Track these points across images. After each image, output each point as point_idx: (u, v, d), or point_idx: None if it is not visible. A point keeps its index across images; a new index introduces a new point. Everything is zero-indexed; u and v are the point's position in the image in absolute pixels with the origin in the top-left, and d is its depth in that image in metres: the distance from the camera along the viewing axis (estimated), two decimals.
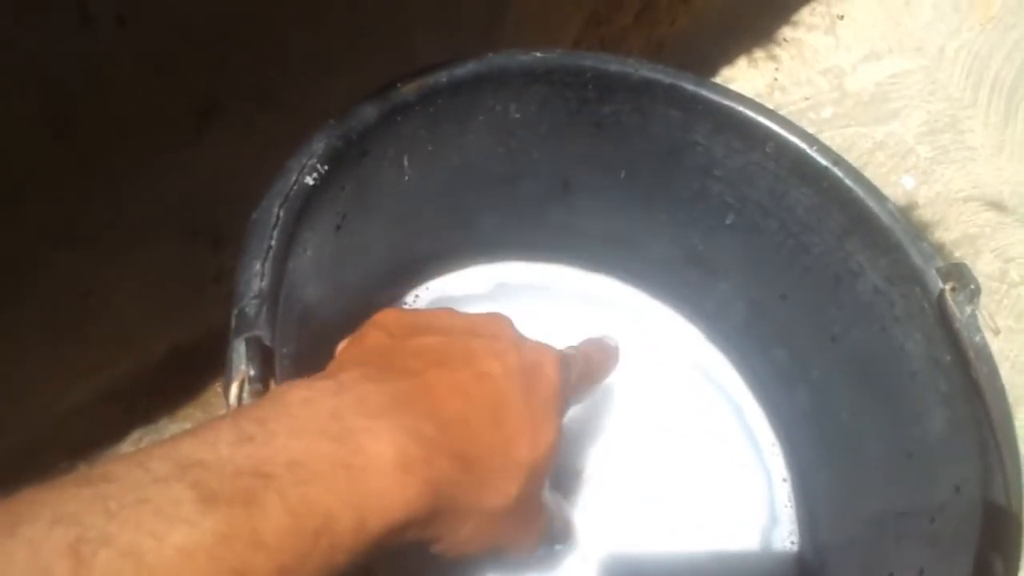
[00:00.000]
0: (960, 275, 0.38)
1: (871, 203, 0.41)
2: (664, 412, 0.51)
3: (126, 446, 0.54)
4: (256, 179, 0.35)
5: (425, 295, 0.51)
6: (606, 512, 0.47)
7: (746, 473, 0.50)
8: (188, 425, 0.55)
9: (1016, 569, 0.33)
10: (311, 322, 0.38)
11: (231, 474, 0.22)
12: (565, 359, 0.37)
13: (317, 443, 0.25)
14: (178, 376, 0.55)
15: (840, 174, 0.42)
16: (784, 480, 0.50)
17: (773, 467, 0.50)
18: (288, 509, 0.22)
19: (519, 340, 0.35)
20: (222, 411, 0.29)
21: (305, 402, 0.26)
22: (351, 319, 0.48)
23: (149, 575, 0.19)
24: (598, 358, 0.42)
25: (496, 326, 0.36)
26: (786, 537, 0.48)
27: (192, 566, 0.20)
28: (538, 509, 0.35)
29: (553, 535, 0.39)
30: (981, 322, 0.37)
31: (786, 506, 0.49)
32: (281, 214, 0.34)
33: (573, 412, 0.49)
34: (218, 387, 0.57)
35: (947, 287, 0.38)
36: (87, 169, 0.42)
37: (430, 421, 0.28)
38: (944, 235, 0.85)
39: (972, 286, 0.37)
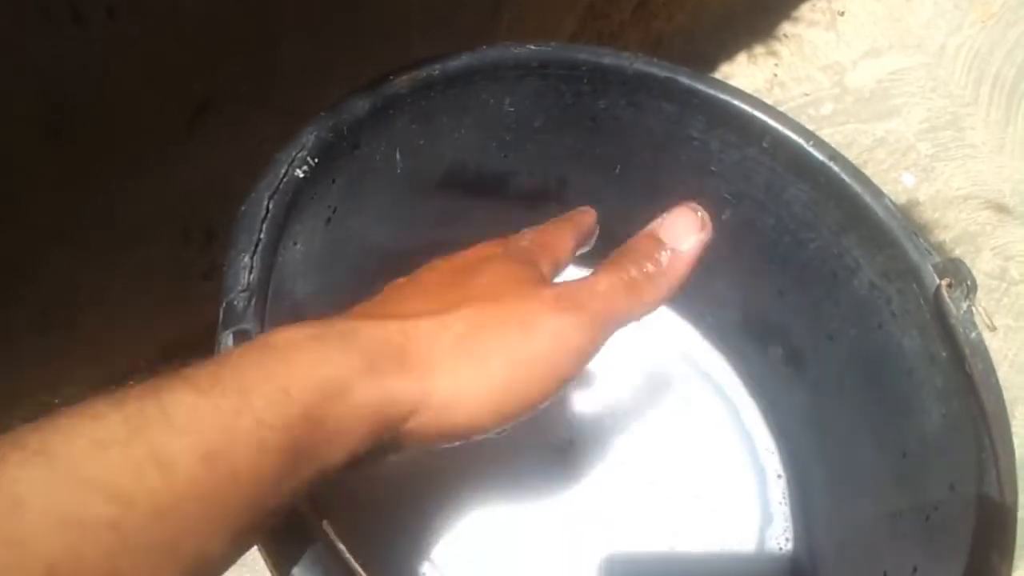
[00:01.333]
0: (956, 271, 0.38)
1: (868, 199, 0.41)
2: (659, 410, 0.51)
3: None
4: (249, 177, 0.34)
5: None
6: (601, 509, 0.46)
7: (741, 471, 0.50)
8: None
9: (1011, 566, 0.33)
10: (300, 316, 0.38)
11: (147, 383, 0.22)
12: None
13: (234, 348, 0.25)
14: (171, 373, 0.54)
15: (837, 169, 0.42)
16: (779, 477, 0.50)
17: (768, 465, 0.50)
18: (198, 390, 0.22)
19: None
20: None
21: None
22: (340, 312, 0.48)
23: (62, 470, 0.19)
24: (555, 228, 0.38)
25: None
26: (781, 535, 0.48)
27: (107, 457, 0.19)
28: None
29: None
30: (977, 318, 0.37)
31: (781, 503, 0.49)
32: (270, 207, 0.34)
33: (569, 407, 0.49)
34: None
35: (943, 283, 0.38)
36: (79, 167, 0.42)
37: (367, 318, 0.28)
38: (944, 233, 0.85)
39: (968, 282, 0.37)
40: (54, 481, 0.19)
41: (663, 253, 0.33)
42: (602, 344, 0.31)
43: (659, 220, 0.34)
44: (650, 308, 0.33)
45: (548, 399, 0.30)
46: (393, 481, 0.44)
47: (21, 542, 0.18)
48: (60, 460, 0.19)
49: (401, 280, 0.35)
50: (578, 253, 0.39)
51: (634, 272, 0.32)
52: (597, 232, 0.40)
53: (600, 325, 0.30)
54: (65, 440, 0.19)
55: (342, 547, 0.28)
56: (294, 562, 0.27)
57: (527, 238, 0.36)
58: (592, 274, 0.32)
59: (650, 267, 0.32)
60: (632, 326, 0.33)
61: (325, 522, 0.28)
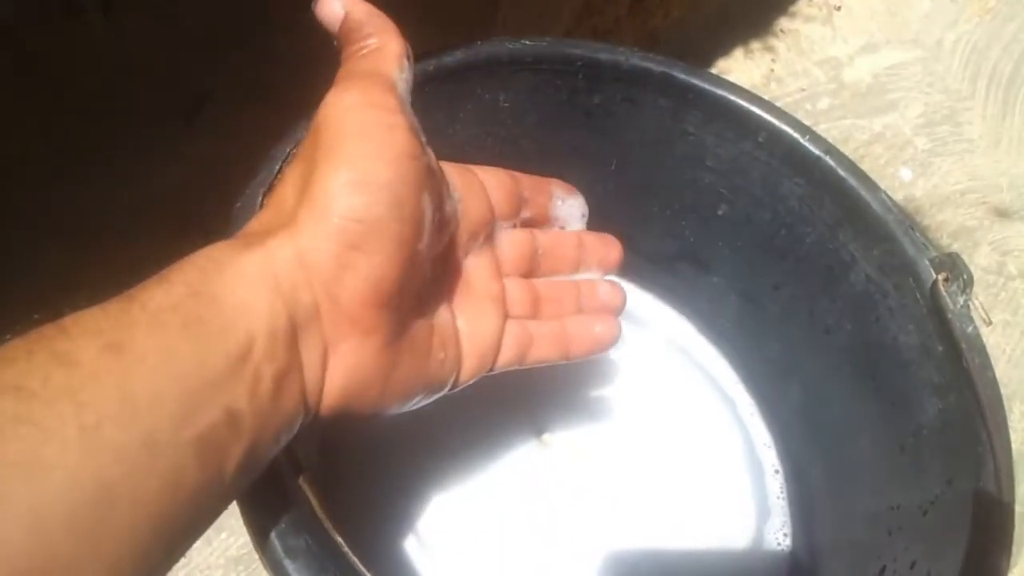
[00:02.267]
0: (953, 265, 0.37)
1: (863, 193, 0.41)
2: (656, 405, 0.50)
3: None
4: (246, 172, 0.34)
5: None
6: (598, 505, 0.46)
7: (738, 465, 0.50)
8: None
9: (1008, 560, 0.33)
10: None
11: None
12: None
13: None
14: None
15: (832, 163, 0.42)
16: (776, 472, 0.50)
17: (765, 459, 0.50)
18: (85, 309, 0.22)
19: None
20: None
21: None
22: None
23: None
24: None
25: None
26: (779, 529, 0.48)
27: (14, 367, 0.20)
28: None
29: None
30: (974, 313, 0.37)
31: (778, 498, 0.49)
32: (264, 202, 0.34)
33: (565, 404, 0.49)
34: None
35: (940, 277, 0.38)
36: (74, 161, 0.42)
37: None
38: (941, 228, 0.85)
39: (965, 276, 0.37)
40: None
41: None
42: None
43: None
44: None
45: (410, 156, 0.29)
46: (378, 450, 0.44)
47: None
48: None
49: None
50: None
51: None
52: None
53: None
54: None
55: (317, 505, 0.28)
56: (272, 525, 0.27)
57: None
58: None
59: None
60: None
61: (301, 478, 0.28)
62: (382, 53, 0.32)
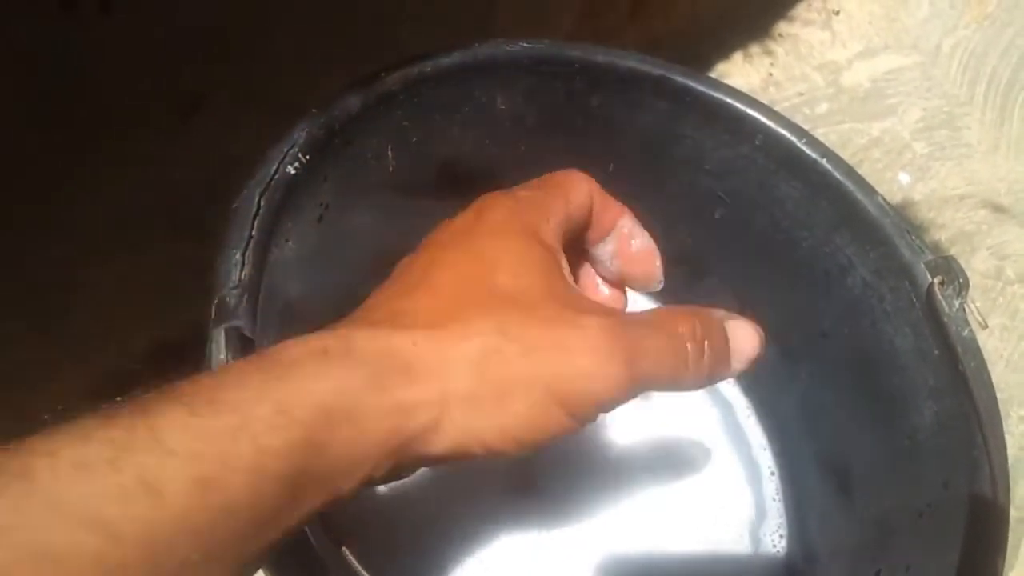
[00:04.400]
0: (949, 269, 0.38)
1: (860, 196, 0.41)
2: (651, 408, 0.50)
3: None
4: (241, 173, 0.34)
5: None
6: (594, 508, 0.46)
7: (734, 468, 0.50)
8: None
9: (1003, 564, 0.33)
10: (294, 316, 0.38)
11: (135, 399, 0.20)
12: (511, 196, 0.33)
13: (231, 364, 0.23)
14: (162, 371, 0.54)
15: (829, 167, 0.42)
16: (772, 474, 0.50)
17: (761, 461, 0.50)
18: (192, 409, 0.20)
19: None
20: None
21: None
22: (334, 311, 0.47)
23: (44, 495, 0.17)
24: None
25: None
26: (774, 532, 0.48)
27: (92, 481, 0.18)
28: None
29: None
30: (970, 316, 0.37)
31: (774, 500, 0.49)
32: (262, 204, 0.34)
33: None
34: None
35: (936, 281, 0.38)
36: (69, 160, 0.42)
37: (357, 322, 0.27)
38: (940, 232, 0.85)
39: (960, 280, 0.37)
40: (34, 509, 0.17)
41: (721, 346, 0.30)
42: (628, 400, 0.28)
43: (730, 314, 0.32)
44: (675, 389, 0.30)
45: (564, 434, 0.27)
46: (404, 505, 0.44)
47: None
48: (41, 485, 0.17)
49: (407, 260, 0.32)
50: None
51: (690, 348, 0.29)
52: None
53: (639, 382, 0.27)
54: (48, 464, 0.18)
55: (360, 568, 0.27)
56: None
57: (532, 183, 0.35)
58: (649, 323, 0.29)
59: (705, 353, 0.29)
60: None
61: (344, 549, 0.27)
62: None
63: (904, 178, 0.87)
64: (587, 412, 0.27)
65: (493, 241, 0.30)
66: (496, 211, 0.32)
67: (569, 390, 0.26)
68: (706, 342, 0.29)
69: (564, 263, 0.32)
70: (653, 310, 0.31)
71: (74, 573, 0.17)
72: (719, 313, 0.31)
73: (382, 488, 0.42)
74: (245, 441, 0.20)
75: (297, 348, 0.24)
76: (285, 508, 0.21)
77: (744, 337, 0.31)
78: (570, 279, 0.31)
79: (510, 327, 0.26)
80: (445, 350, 0.25)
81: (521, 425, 0.26)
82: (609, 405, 0.27)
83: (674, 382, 0.29)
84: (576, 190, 0.35)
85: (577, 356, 0.26)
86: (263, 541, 0.21)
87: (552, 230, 0.32)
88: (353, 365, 0.24)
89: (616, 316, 0.28)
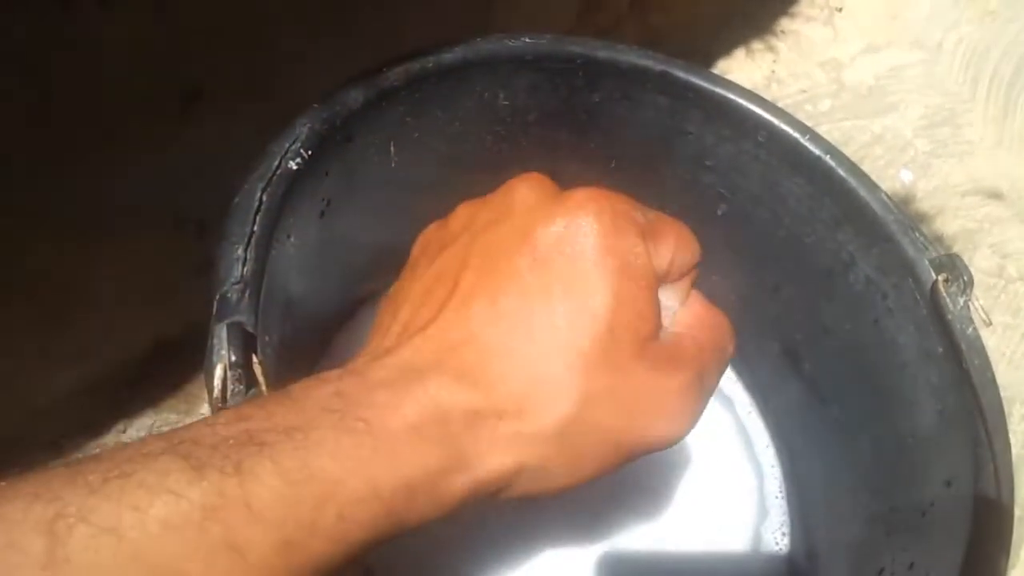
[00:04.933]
0: (953, 266, 0.37)
1: (863, 193, 0.41)
2: None
3: (108, 439, 0.53)
4: (242, 167, 0.34)
5: None
6: (595, 506, 0.46)
7: (736, 465, 0.50)
8: (172, 417, 0.55)
9: (1007, 563, 0.33)
10: (295, 311, 0.38)
11: (223, 445, 0.20)
12: (623, 213, 0.28)
13: (319, 415, 0.23)
14: (162, 368, 0.54)
15: (832, 164, 0.41)
16: (774, 473, 0.50)
17: (763, 459, 0.50)
18: (284, 475, 0.20)
19: (545, 201, 0.29)
20: (206, 403, 0.28)
21: (306, 387, 0.24)
22: (335, 308, 0.47)
23: (131, 553, 0.18)
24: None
25: (513, 196, 0.30)
26: (777, 529, 0.48)
27: (180, 541, 0.18)
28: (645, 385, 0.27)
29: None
30: (974, 314, 0.37)
31: (777, 498, 0.49)
32: (263, 199, 0.33)
33: None
34: (202, 377, 0.56)
35: (940, 278, 0.37)
36: (68, 155, 0.42)
37: (443, 375, 0.25)
38: (942, 229, 0.84)
39: (965, 277, 0.37)
40: (123, 565, 0.18)
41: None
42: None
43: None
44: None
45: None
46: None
47: None
48: (129, 542, 0.18)
49: (447, 258, 0.30)
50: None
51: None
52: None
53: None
54: (137, 520, 0.18)
55: None
56: None
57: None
58: (712, 362, 0.29)
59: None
60: None
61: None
62: None
63: (906, 175, 0.87)
64: (659, 447, 0.28)
65: (577, 268, 0.26)
66: (590, 224, 0.27)
67: (638, 447, 0.27)
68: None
69: (658, 300, 0.29)
70: (700, 324, 0.30)
71: None
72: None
73: None
74: (331, 511, 0.21)
75: (395, 421, 0.23)
76: (356, 559, 0.22)
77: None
78: (658, 317, 0.29)
79: (594, 394, 0.25)
80: (526, 426, 0.25)
81: (583, 480, 0.27)
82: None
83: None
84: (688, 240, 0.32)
85: (656, 421, 0.27)
86: None
87: (658, 261, 0.29)
88: (443, 445, 0.24)
89: (693, 368, 0.28)
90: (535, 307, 0.26)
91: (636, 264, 0.27)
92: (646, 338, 0.27)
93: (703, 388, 0.28)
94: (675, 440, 0.28)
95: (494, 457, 0.25)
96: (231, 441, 0.21)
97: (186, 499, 0.19)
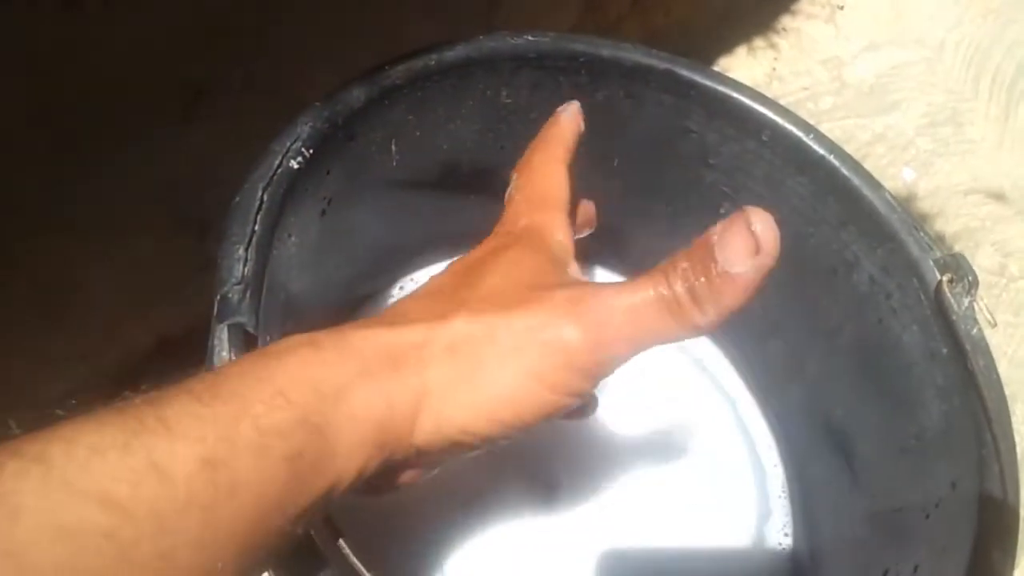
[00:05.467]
0: (958, 266, 0.37)
1: (867, 192, 0.40)
2: (656, 404, 0.50)
3: None
4: (243, 167, 0.34)
5: (410, 286, 0.50)
6: (598, 504, 0.46)
7: (739, 465, 0.49)
8: None
9: (1013, 564, 0.33)
10: (295, 310, 0.37)
11: (148, 395, 0.22)
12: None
13: (233, 360, 0.25)
14: (164, 366, 0.54)
15: (836, 163, 0.41)
16: (777, 472, 0.49)
17: (766, 459, 0.50)
18: (197, 399, 0.21)
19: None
20: None
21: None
22: (336, 307, 0.47)
23: (60, 479, 0.18)
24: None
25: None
26: (780, 529, 0.48)
27: (105, 463, 0.19)
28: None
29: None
30: (978, 314, 0.37)
31: (780, 497, 0.49)
32: (265, 198, 0.33)
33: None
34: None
35: (945, 278, 0.37)
36: (71, 155, 0.42)
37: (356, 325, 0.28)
38: (944, 228, 0.84)
39: (970, 277, 0.37)
40: (51, 490, 0.18)
41: (715, 275, 0.26)
42: (618, 364, 0.27)
43: (714, 230, 0.27)
44: (690, 333, 0.27)
45: (556, 411, 0.28)
46: (405, 502, 0.44)
47: (17, 553, 0.17)
48: (57, 469, 0.18)
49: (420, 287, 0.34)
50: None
51: (679, 288, 0.26)
52: (583, 121, 0.37)
53: (619, 345, 0.27)
54: (64, 449, 0.19)
55: (360, 567, 0.27)
56: None
57: (519, 206, 0.34)
58: (627, 281, 0.27)
59: (699, 287, 0.26)
60: None
61: (341, 541, 0.27)
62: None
63: (908, 174, 0.87)
64: (566, 382, 0.27)
65: (492, 255, 0.31)
66: (499, 240, 0.33)
67: (539, 362, 0.26)
68: (695, 281, 0.26)
69: (571, 263, 0.32)
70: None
71: (89, 548, 0.18)
72: (702, 240, 0.27)
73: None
74: (247, 423, 0.21)
75: (292, 341, 0.25)
76: (288, 492, 0.22)
77: (737, 244, 0.26)
78: (573, 272, 0.31)
79: (483, 316, 0.27)
80: (424, 343, 0.27)
81: (499, 405, 0.27)
82: (588, 374, 0.27)
83: (669, 331, 0.27)
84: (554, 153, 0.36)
85: (540, 329, 0.27)
86: (268, 527, 0.22)
87: (558, 237, 0.32)
88: (343, 355, 0.25)
89: (587, 285, 0.28)
90: (453, 277, 0.31)
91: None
92: (539, 277, 0.30)
93: (598, 287, 0.28)
94: (577, 346, 0.27)
95: (398, 371, 0.26)
96: (154, 392, 0.22)
97: (110, 426, 0.20)
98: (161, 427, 0.20)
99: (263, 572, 0.24)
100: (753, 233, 0.26)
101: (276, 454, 0.22)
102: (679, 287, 0.26)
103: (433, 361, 0.27)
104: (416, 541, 0.43)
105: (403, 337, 0.27)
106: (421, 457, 0.27)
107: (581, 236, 0.38)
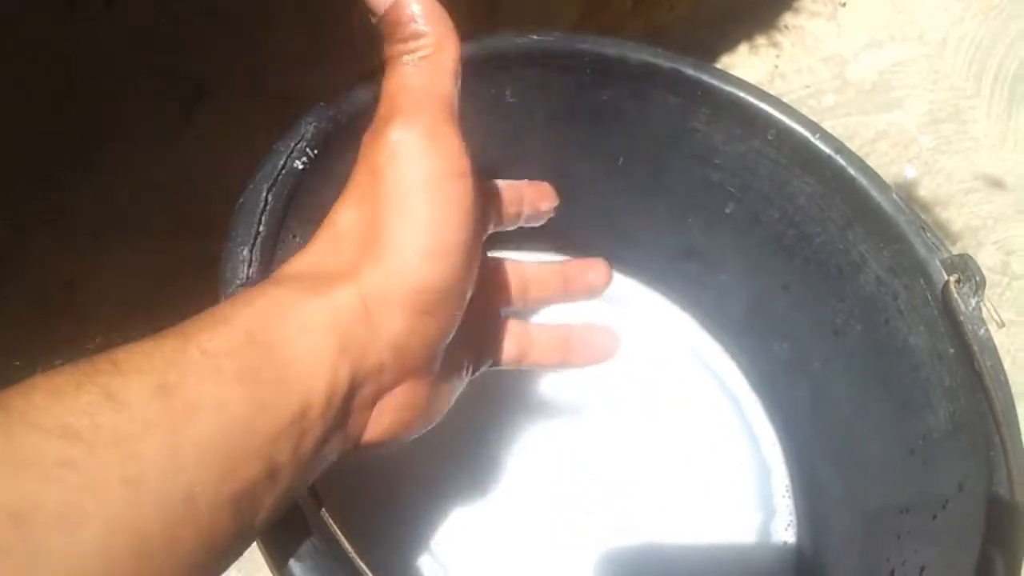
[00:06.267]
0: (965, 267, 0.37)
1: (874, 192, 0.40)
2: (661, 403, 0.50)
3: None
4: (246, 166, 0.34)
5: None
6: (602, 503, 0.46)
7: (743, 464, 0.49)
8: None
9: (1021, 566, 0.33)
10: None
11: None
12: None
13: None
14: None
15: (843, 162, 0.41)
16: (781, 471, 0.49)
17: (771, 458, 0.50)
18: (146, 341, 0.22)
19: None
20: None
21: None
22: None
23: (19, 419, 0.19)
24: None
25: None
26: (784, 529, 0.47)
27: (60, 402, 0.19)
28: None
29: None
30: (985, 315, 0.37)
31: (784, 496, 0.48)
32: (269, 199, 0.33)
33: (571, 402, 0.48)
34: None
35: (952, 279, 0.37)
36: (72, 154, 0.42)
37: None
38: (946, 227, 0.84)
39: (977, 278, 0.36)
40: (11, 430, 0.18)
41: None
42: (453, 122, 0.30)
43: None
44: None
45: (467, 199, 0.28)
46: (388, 471, 0.44)
47: None
48: (17, 411, 0.19)
49: None
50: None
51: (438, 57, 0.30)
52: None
53: (429, 105, 0.29)
54: (23, 394, 0.19)
55: (342, 537, 0.27)
56: (291, 554, 0.26)
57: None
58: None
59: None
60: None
61: (323, 511, 0.27)
62: (439, 63, 0.30)
63: (910, 172, 0.87)
64: (436, 163, 0.28)
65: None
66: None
67: (406, 174, 0.27)
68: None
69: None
70: None
71: (53, 479, 0.18)
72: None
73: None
74: (193, 348, 0.22)
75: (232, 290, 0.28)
76: (253, 411, 0.22)
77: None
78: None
79: (348, 193, 0.29)
80: (334, 243, 0.28)
81: (424, 241, 0.27)
82: (444, 143, 0.29)
83: (446, 83, 0.30)
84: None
85: (390, 159, 0.28)
86: (244, 450, 0.22)
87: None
88: (275, 282, 0.26)
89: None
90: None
91: None
92: None
93: None
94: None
95: (334, 282, 0.26)
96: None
97: (64, 373, 0.20)
98: (111, 367, 0.21)
99: (264, 510, 0.23)
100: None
101: (228, 375, 0.22)
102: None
103: (349, 254, 0.27)
104: (406, 519, 0.43)
105: (317, 251, 0.28)
106: (401, 358, 0.27)
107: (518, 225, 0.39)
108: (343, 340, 0.25)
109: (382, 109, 0.29)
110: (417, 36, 0.29)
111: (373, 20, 0.30)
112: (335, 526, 0.27)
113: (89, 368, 0.20)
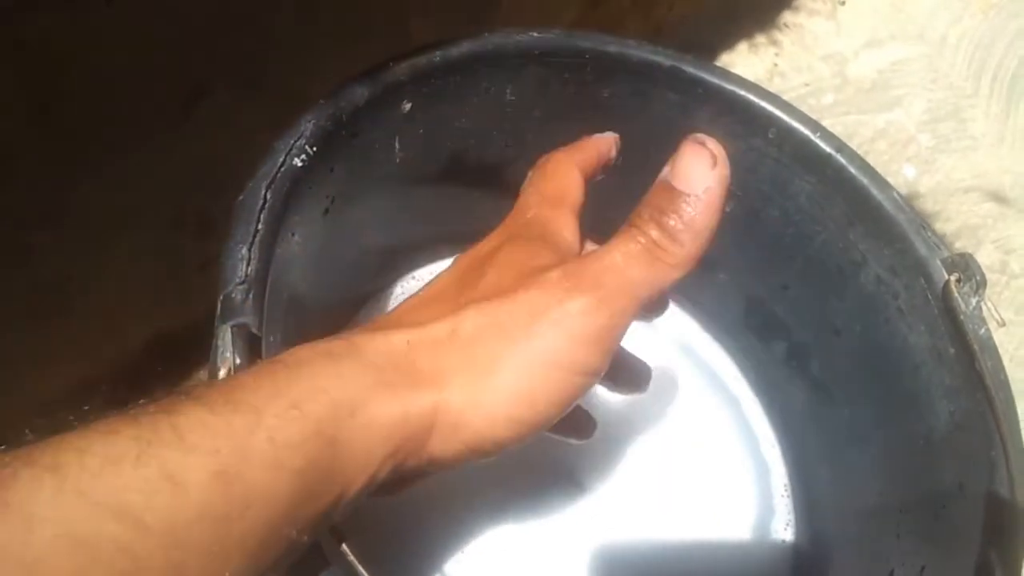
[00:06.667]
0: (966, 266, 0.37)
1: (875, 191, 0.40)
2: (660, 403, 0.50)
3: None
4: (244, 165, 0.34)
5: (413, 284, 0.50)
6: (601, 503, 0.46)
7: (742, 463, 0.49)
8: None
9: (1021, 566, 0.33)
10: (299, 309, 0.37)
11: (158, 401, 0.22)
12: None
13: (246, 369, 0.25)
14: (161, 365, 0.54)
15: (844, 161, 0.41)
16: (780, 471, 0.49)
17: (769, 458, 0.50)
18: (210, 410, 0.21)
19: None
20: None
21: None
22: (339, 306, 0.47)
23: (74, 489, 0.18)
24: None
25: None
26: (783, 529, 0.47)
27: (119, 474, 0.19)
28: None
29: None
30: (986, 314, 0.36)
31: (783, 496, 0.48)
32: (268, 196, 0.33)
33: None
34: (202, 376, 0.56)
35: (952, 278, 0.37)
36: (70, 152, 0.41)
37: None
38: (945, 226, 0.84)
39: (977, 278, 0.36)
40: (65, 500, 0.18)
41: (682, 204, 0.28)
42: (626, 323, 0.28)
43: (668, 167, 0.29)
44: (680, 270, 0.28)
45: (574, 398, 0.27)
46: (405, 503, 0.43)
47: (32, 563, 0.17)
48: (71, 479, 0.18)
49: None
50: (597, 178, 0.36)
51: (653, 232, 0.28)
52: (615, 152, 0.37)
53: (619, 301, 0.27)
54: (77, 458, 0.19)
55: (363, 571, 0.27)
56: None
57: (529, 198, 0.34)
58: (606, 244, 0.28)
59: (670, 222, 0.28)
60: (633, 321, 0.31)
61: (344, 546, 0.27)
62: (669, 276, 0.28)
63: (909, 171, 0.87)
64: (581, 359, 0.27)
65: (495, 249, 0.31)
66: (504, 231, 0.33)
67: (551, 343, 0.26)
68: (664, 220, 0.28)
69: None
70: None
71: (103, 560, 0.18)
72: (659, 181, 0.30)
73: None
74: (261, 436, 0.21)
75: (305, 351, 0.25)
76: (299, 503, 0.22)
77: (694, 165, 0.28)
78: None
79: (488, 308, 0.27)
80: (436, 344, 0.27)
81: (517, 402, 0.26)
82: (601, 341, 0.27)
83: (660, 276, 0.28)
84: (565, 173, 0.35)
85: (543, 309, 0.27)
86: (279, 537, 0.22)
87: (565, 234, 0.32)
88: (357, 365, 0.25)
89: (576, 259, 0.29)
90: (454, 274, 0.32)
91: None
92: (538, 267, 0.30)
93: (584, 256, 0.30)
94: (581, 315, 0.27)
95: (414, 376, 0.26)
96: (166, 399, 0.22)
97: (121, 436, 0.20)
98: (175, 438, 0.20)
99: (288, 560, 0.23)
100: (705, 147, 0.28)
101: (289, 467, 0.22)
102: (653, 232, 0.28)
103: (448, 365, 0.26)
104: (418, 540, 0.43)
105: (416, 342, 0.27)
106: (433, 464, 0.27)
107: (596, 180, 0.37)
108: (399, 446, 0.25)
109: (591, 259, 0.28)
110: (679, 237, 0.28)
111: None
112: (354, 558, 0.27)
113: (149, 434, 0.20)
